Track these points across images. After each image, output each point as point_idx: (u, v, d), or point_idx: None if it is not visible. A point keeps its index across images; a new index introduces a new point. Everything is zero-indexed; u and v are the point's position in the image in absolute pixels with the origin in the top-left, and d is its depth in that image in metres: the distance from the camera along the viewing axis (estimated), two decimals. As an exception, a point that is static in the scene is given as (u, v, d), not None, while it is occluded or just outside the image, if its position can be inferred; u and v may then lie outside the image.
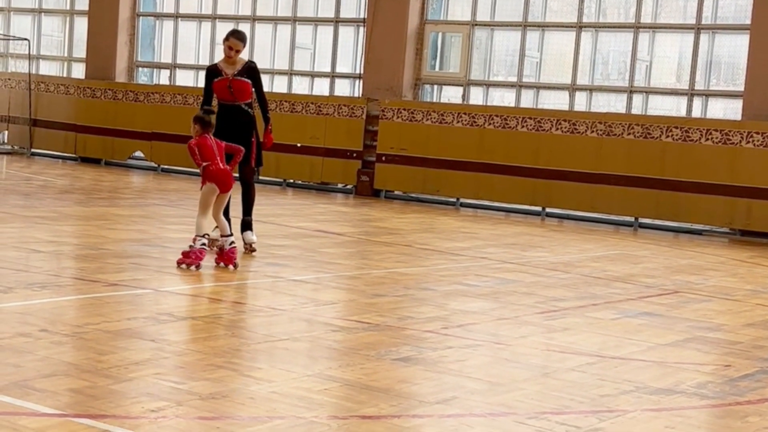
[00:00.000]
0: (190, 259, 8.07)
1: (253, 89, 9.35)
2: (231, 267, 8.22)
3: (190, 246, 8.14)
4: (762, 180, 14.28)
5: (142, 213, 12.18)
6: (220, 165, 8.34)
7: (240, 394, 4.61)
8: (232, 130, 9.07)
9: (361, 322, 6.50)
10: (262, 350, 5.55)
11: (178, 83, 20.73)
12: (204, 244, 8.16)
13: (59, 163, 20.25)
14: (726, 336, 6.97)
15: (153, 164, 19.81)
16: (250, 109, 9.35)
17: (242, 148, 8.69)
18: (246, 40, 9.42)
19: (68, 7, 22.25)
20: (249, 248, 9.21)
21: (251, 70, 9.31)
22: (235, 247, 8.37)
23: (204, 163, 8.28)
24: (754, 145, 14.36)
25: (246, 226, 9.33)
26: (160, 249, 9.07)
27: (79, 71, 21.99)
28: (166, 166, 19.61)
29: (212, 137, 8.45)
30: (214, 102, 9.32)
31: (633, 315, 7.50)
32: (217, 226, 8.50)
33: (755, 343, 6.76)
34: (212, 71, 9.34)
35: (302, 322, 6.44)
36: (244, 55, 9.48)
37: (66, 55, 22.43)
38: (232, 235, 8.42)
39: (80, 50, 21.90)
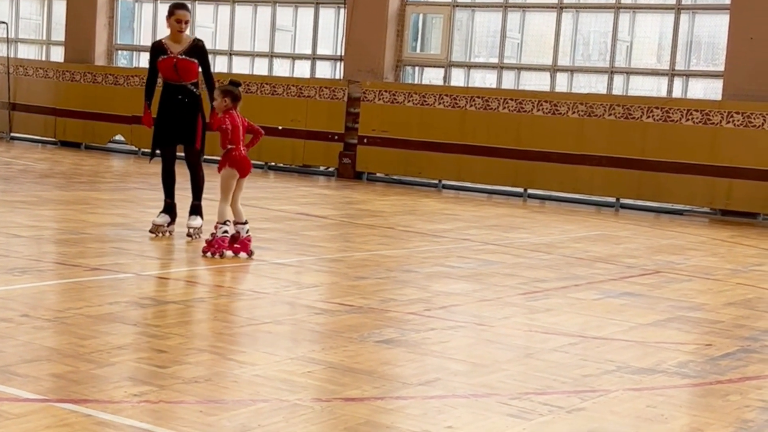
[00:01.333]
0: (213, 248, 7.90)
1: (200, 69, 8.92)
2: (244, 255, 7.97)
3: (213, 234, 7.97)
4: (742, 160, 14.35)
5: (122, 197, 12.13)
6: (242, 149, 8.06)
7: (223, 377, 4.60)
8: (178, 111, 8.80)
9: (343, 305, 6.50)
10: (245, 334, 5.55)
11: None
12: (226, 232, 7.93)
13: (39, 147, 20.13)
14: (707, 315, 7.01)
15: (133, 148, 19.71)
16: (196, 89, 8.93)
17: (262, 130, 8.29)
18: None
19: (46, -10, 22.07)
20: (188, 234, 8.77)
21: (199, 49, 8.87)
22: (250, 235, 8.10)
23: (230, 146, 7.98)
24: (734, 125, 14.41)
25: (194, 210, 8.89)
26: (142, 233, 9.03)
27: (57, 54, 21.83)
28: (146, 150, 19.50)
29: (240, 115, 8.10)
30: (159, 81, 8.91)
31: (615, 295, 7.54)
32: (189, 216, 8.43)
33: (736, 322, 6.80)
34: (157, 49, 8.91)
35: (285, 305, 6.44)
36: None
37: (44, 38, 22.27)
38: (247, 222, 8.11)
39: (59, 33, 21.73)
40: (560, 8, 16.61)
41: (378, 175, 17.44)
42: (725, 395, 4.89)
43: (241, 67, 19.78)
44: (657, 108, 14.91)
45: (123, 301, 6.14)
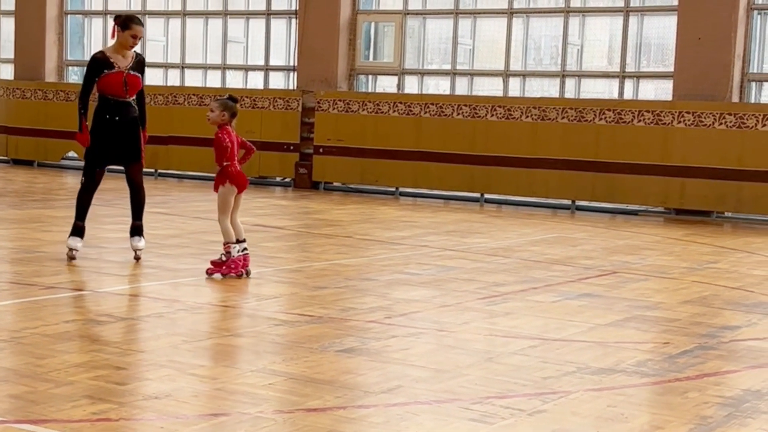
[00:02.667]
0: (230, 269, 7.68)
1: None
2: (243, 272, 7.76)
3: (226, 254, 7.70)
4: (694, 159, 14.52)
5: (77, 214, 11.99)
6: (237, 165, 7.87)
7: (183, 392, 4.57)
8: (124, 128, 8.35)
9: (303, 315, 6.48)
10: (205, 347, 5.52)
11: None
12: (245, 249, 7.75)
13: (-10, 166, 19.88)
14: (664, 314, 7.09)
15: (87, 164, 19.52)
16: (135, 105, 8.54)
17: (253, 147, 8.13)
18: None
19: (-6, 7, 21.84)
20: (136, 257, 8.47)
21: (143, 64, 8.57)
22: (248, 253, 7.86)
23: (225, 163, 7.78)
24: (686, 124, 14.58)
25: (136, 231, 8.51)
26: (98, 250, 8.95)
27: (7, 72, 21.60)
28: (100, 166, 19.33)
29: (234, 131, 7.92)
30: (93, 96, 8.43)
31: (573, 297, 7.59)
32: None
33: (692, 319, 6.87)
34: (101, 62, 8.32)
35: (245, 317, 6.41)
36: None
37: (-7, 56, 22.02)
38: (245, 240, 7.86)
39: (8, 51, 21.51)
40: (510, 13, 16.73)
41: (335, 184, 17.43)
42: (684, 392, 4.94)
43: (193, 80, 19.70)
44: (609, 110, 15.06)
45: (80, 319, 6.08)
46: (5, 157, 20.39)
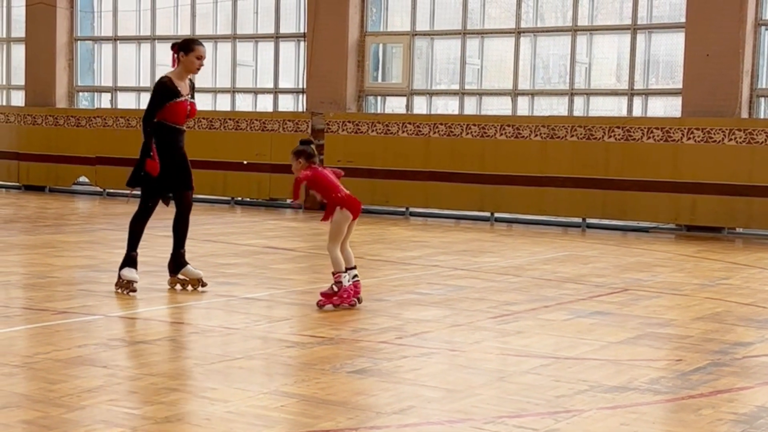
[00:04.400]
0: (343, 299, 7.51)
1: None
2: (354, 301, 7.59)
3: (338, 284, 7.51)
4: (704, 175, 14.50)
5: (89, 239, 12.05)
6: (344, 191, 7.71)
7: (195, 416, 4.57)
8: (183, 157, 8.18)
9: (315, 337, 6.48)
10: (217, 370, 5.52)
11: (120, 106, 20.58)
12: (356, 276, 7.59)
13: (2, 192, 19.97)
14: (676, 331, 7.06)
15: (98, 189, 19.62)
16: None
17: (341, 171, 7.95)
18: None
19: (4, 35, 22.00)
20: (201, 283, 8.28)
21: (194, 90, 8.32)
22: (358, 280, 7.66)
23: (333, 195, 7.64)
24: (695, 141, 14.57)
25: (183, 258, 8.29)
26: (109, 274, 8.97)
27: (18, 98, 21.73)
28: (111, 190, 19.43)
29: (322, 165, 7.79)
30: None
31: (585, 315, 7.57)
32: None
33: (705, 336, 6.85)
34: (171, 90, 8.00)
35: (256, 339, 6.41)
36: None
37: (4, 83, 22.16)
38: (355, 267, 7.65)
39: (19, 77, 21.65)
40: (518, 33, 16.77)
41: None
42: (697, 409, 4.92)
43: (203, 103, 19.77)
44: (618, 127, 15.06)
45: (92, 344, 6.09)
46: (17, 183, 20.49)
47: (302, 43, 18.37)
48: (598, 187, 15.18)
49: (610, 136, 15.09)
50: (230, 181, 17.94)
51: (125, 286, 8.02)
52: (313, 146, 7.77)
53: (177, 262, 8.28)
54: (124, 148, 19.13)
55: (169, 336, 6.46)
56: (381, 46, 17.99)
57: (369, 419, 4.62)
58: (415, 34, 17.55)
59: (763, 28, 15.04)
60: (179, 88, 8.04)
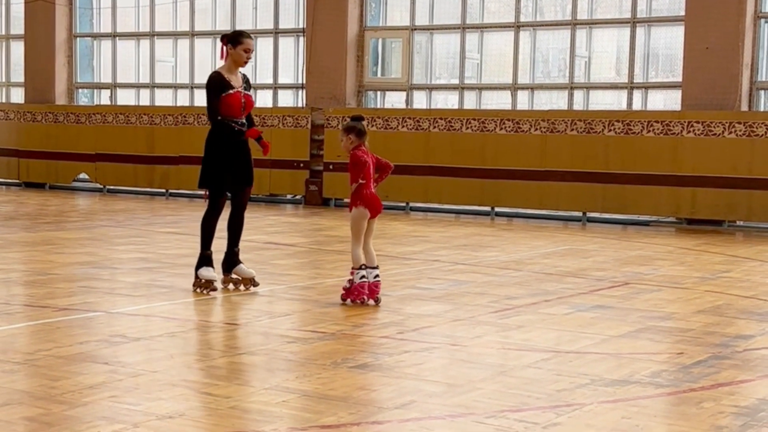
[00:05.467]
0: (353, 295, 7.45)
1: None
2: (372, 301, 7.48)
3: (350, 281, 7.49)
4: (704, 168, 14.50)
5: (89, 235, 12.05)
6: (372, 187, 7.57)
7: (197, 411, 4.58)
8: (243, 150, 8.05)
9: (316, 332, 6.49)
10: (218, 366, 5.52)
11: (119, 103, 20.57)
12: (363, 277, 7.43)
13: (2, 189, 19.97)
14: (677, 324, 7.07)
15: (98, 185, 19.62)
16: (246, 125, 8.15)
17: (391, 164, 7.70)
18: None
19: (4, 32, 21.98)
20: (253, 282, 8.15)
21: (249, 83, 8.17)
22: (379, 280, 7.56)
23: (361, 181, 7.50)
24: (695, 134, 14.56)
25: (237, 257, 8.16)
26: (110, 271, 8.98)
27: (18, 96, 21.73)
28: (111, 187, 19.43)
29: (368, 150, 7.59)
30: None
31: (585, 309, 7.57)
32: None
33: (706, 329, 6.85)
34: (222, 83, 7.89)
35: (258, 335, 6.42)
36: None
37: (4, 80, 22.15)
38: (378, 267, 7.59)
39: (18, 74, 21.65)
40: (517, 27, 16.76)
41: (345, 200, 17.45)
42: (699, 402, 4.93)
43: (203, 99, 19.74)
44: (618, 121, 15.05)
45: (93, 340, 6.10)
46: (17, 180, 20.48)
47: (301, 39, 18.35)
48: (598, 180, 15.17)
49: (610, 130, 15.08)
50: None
51: (205, 286, 7.94)
52: (364, 123, 7.60)
53: (230, 261, 8.13)
54: (123, 144, 19.14)
55: (171, 332, 6.47)
56: (380, 41, 17.98)
57: (371, 414, 4.62)
58: (415, 29, 17.54)
59: (762, 20, 15.02)
60: (230, 81, 7.93)
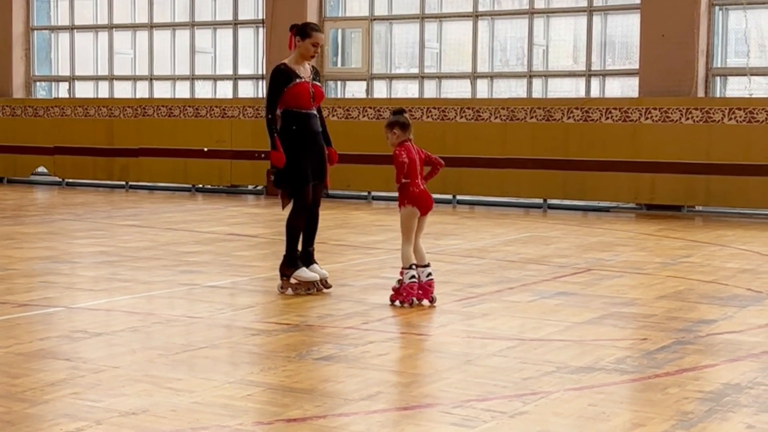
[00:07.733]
0: (402, 296, 7.11)
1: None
2: (426, 302, 7.17)
3: (399, 281, 7.16)
4: (663, 154, 14.60)
5: (48, 230, 11.91)
6: (421, 184, 7.28)
7: (160, 407, 4.53)
8: (315, 141, 7.76)
9: (280, 324, 6.45)
10: (181, 360, 5.47)
11: (78, 95, 20.35)
12: (413, 277, 7.09)
13: (-42, 184, 19.69)
14: (640, 310, 7.11)
15: (57, 179, 19.41)
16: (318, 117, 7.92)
17: (441, 161, 7.37)
18: None
19: (-44, 24, 21.65)
20: (326, 284, 7.81)
21: (319, 75, 7.99)
22: (432, 279, 7.25)
23: (405, 180, 7.20)
24: (653, 120, 14.66)
25: (311, 258, 7.83)
26: (70, 265, 8.88)
27: (-27, 89, 21.42)
28: (70, 180, 19.23)
29: (415, 145, 7.31)
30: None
31: (549, 296, 7.60)
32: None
33: (669, 314, 6.90)
34: (287, 74, 7.65)
35: (221, 328, 6.37)
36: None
37: (-42, 73, 21.83)
38: (429, 265, 7.26)
39: (-27, 68, 21.33)
40: (476, 16, 16.77)
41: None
42: (664, 388, 4.95)
43: (162, 91, 19.61)
44: (577, 108, 15.12)
45: (54, 336, 6.02)
46: (-27, 175, 20.22)
47: (261, 30, 18.25)
48: (558, 168, 15.24)
49: (569, 117, 15.15)
50: (191, 169, 17.80)
51: (303, 286, 7.64)
52: (406, 115, 7.36)
53: (306, 261, 7.82)
54: (82, 137, 18.95)
55: (132, 326, 6.40)
56: (340, 31, 17.92)
57: (337, 406, 4.60)
58: (374, 19, 17.50)
59: (717, 8, 15.14)
60: (297, 71, 7.71)
